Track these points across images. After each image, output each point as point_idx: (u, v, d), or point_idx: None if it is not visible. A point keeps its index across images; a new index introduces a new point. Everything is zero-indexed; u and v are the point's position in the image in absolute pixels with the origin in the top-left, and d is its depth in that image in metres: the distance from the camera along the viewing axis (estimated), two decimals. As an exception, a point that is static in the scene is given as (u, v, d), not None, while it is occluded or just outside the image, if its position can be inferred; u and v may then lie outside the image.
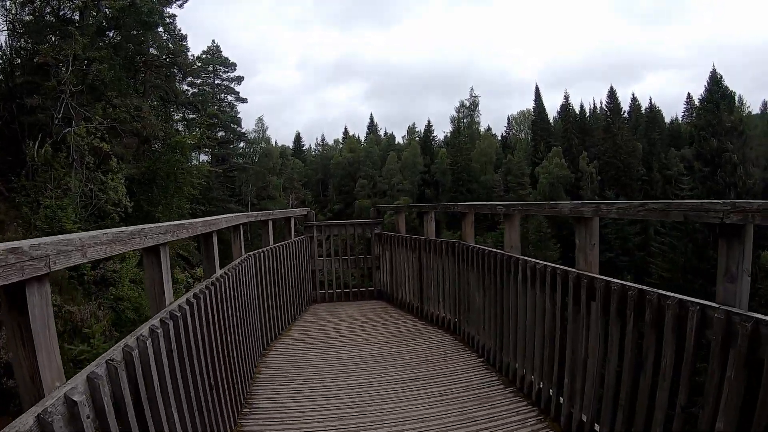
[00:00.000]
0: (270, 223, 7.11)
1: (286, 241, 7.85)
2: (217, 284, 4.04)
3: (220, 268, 4.66)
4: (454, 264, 6.44)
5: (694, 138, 40.07)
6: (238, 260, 5.23)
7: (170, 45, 28.59)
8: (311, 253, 9.35)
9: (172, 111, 34.88)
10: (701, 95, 41.13)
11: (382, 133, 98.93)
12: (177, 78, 34.76)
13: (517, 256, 4.67)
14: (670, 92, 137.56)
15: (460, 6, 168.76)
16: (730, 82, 40.66)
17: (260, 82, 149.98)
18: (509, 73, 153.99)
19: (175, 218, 19.71)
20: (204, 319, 3.54)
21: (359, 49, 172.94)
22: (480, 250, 5.53)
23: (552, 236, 52.61)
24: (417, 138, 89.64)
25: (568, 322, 3.73)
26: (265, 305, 6.42)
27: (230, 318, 4.40)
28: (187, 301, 3.24)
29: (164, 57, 27.17)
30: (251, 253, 5.98)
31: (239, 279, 4.97)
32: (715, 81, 40.53)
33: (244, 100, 56.65)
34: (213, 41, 56.67)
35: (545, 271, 4.09)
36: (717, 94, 39.92)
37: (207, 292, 3.70)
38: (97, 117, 16.92)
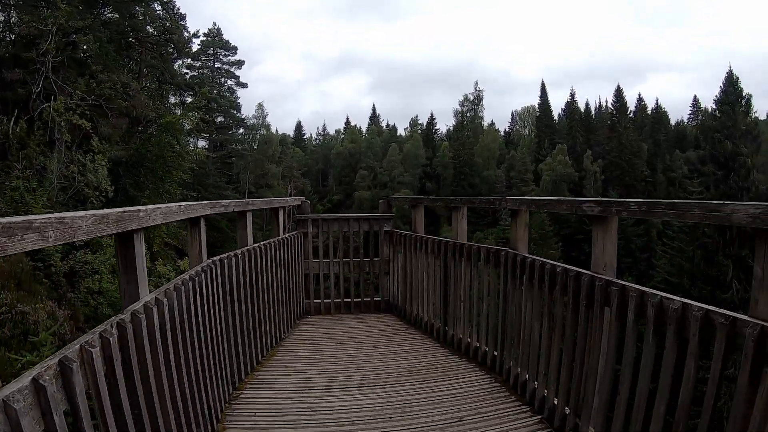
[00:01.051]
0: (248, 216, 5.43)
1: (271, 240, 6.18)
2: (130, 325, 2.38)
3: (170, 285, 3.15)
4: (498, 279, 4.90)
5: (708, 139, 38.51)
6: (194, 271, 3.65)
7: (167, 23, 26.97)
8: (305, 253, 7.69)
9: (170, 93, 33.43)
10: (716, 96, 39.54)
11: (384, 124, 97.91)
12: (174, 58, 33.27)
13: (619, 281, 3.15)
14: (671, 94, 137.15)
15: (465, 3, 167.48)
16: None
17: (263, 72, 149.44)
18: (511, 72, 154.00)
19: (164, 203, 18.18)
20: (99, 396, 2.00)
21: (363, 43, 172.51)
22: (547, 265, 4.01)
23: (554, 234, 51.49)
24: (419, 131, 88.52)
25: (735, 398, 2.24)
26: (237, 329, 4.72)
27: (164, 366, 2.77)
28: (34, 385, 1.66)
29: (159, 35, 25.55)
30: (216, 258, 4.33)
31: (187, 302, 3.33)
32: (731, 82, 38.92)
33: (244, 85, 55.23)
34: (214, 23, 55.00)
35: (686, 314, 2.53)
36: (732, 96, 38.32)
37: (97, 347, 2.07)
38: (78, 92, 15.38)
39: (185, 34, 28.17)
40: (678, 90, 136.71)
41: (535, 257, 4.25)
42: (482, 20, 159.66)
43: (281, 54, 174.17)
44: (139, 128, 20.99)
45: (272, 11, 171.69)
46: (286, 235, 6.90)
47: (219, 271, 4.24)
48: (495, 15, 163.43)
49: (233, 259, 4.69)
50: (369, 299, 7.96)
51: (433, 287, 6.33)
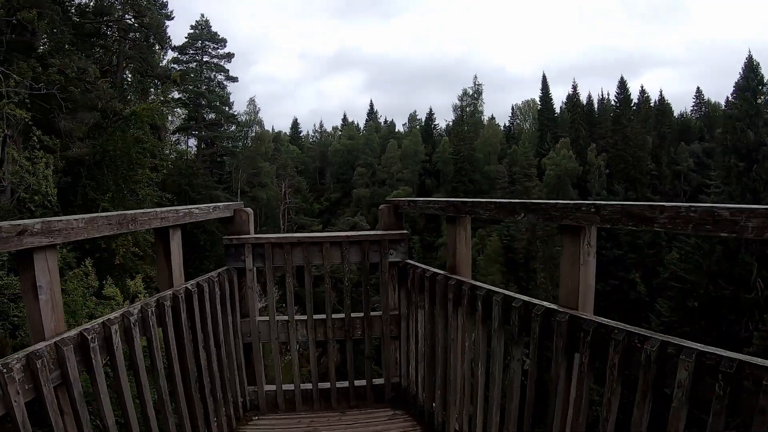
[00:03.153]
0: (48, 258, 2.21)
1: (147, 302, 3.03)
2: None
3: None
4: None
5: (729, 129, 36.15)
6: None
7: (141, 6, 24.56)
8: (243, 308, 4.36)
9: (155, 88, 31.07)
10: (736, 82, 36.98)
11: (382, 120, 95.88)
12: (157, 49, 30.95)
13: None
14: (668, 88, 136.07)
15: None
16: (729, 82, 36.45)
17: (260, 71, 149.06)
18: (507, 68, 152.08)
19: (129, 208, 15.67)
20: None
21: (359, 41, 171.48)
22: None
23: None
24: (418, 126, 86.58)
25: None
26: None
27: None
28: None
29: (131, 17, 23.12)
30: None
31: None
32: (750, 68, 36.34)
33: (234, 79, 52.60)
34: (202, 15, 52.22)
35: None
36: (754, 82, 35.76)
37: None
38: (15, 76, 12.91)
39: (158, 16, 25.58)
40: (674, 84, 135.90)
41: None
42: (478, 17, 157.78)
43: (278, 54, 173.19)
44: (114, 123, 18.64)
45: (268, 12, 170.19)
46: (193, 281, 3.58)
47: None
48: (490, 12, 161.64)
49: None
50: (364, 383, 4.60)
51: (508, 392, 3.02)
